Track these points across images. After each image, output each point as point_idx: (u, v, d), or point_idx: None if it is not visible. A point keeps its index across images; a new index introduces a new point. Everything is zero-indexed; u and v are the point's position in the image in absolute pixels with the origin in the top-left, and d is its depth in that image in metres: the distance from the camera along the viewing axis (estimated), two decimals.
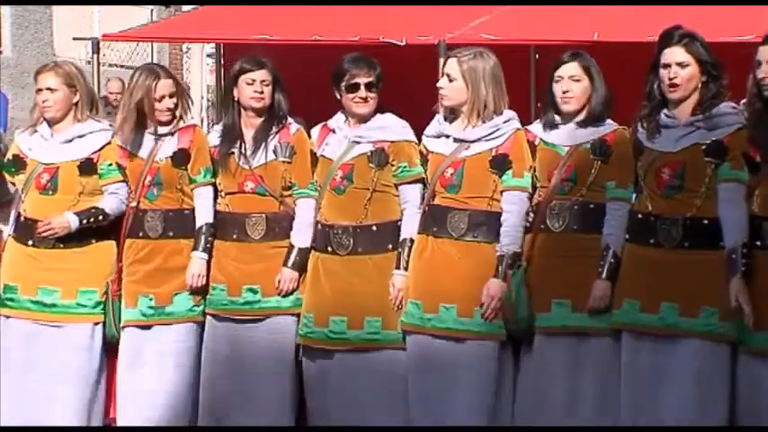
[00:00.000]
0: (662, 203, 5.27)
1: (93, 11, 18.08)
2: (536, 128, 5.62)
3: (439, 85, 5.60)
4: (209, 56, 15.28)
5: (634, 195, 5.43)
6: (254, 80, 5.86)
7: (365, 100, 5.71)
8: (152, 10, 18.70)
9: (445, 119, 5.65)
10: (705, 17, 5.07)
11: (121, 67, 17.55)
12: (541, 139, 5.57)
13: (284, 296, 5.84)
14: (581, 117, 5.50)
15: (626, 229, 5.37)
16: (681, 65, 5.19)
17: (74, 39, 14.10)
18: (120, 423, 6.02)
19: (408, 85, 7.44)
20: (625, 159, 5.42)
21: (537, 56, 9.55)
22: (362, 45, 8.36)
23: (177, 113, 6.00)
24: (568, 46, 6.81)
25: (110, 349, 6.05)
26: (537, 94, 9.03)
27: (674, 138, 5.25)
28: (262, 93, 5.85)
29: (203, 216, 5.93)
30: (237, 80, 5.90)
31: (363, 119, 5.75)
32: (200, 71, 16.52)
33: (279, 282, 5.82)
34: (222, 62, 11.03)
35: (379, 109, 5.79)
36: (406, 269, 5.66)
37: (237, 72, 5.92)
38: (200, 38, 12.13)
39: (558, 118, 5.55)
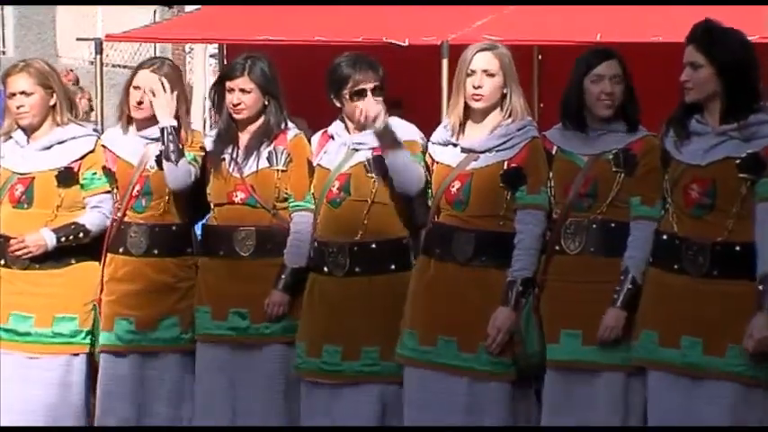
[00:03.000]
0: (689, 224, 4.59)
1: (96, 11, 18.06)
2: (554, 135, 4.94)
3: (475, 83, 4.88)
4: (211, 56, 15.23)
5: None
6: (232, 88, 5.29)
7: (374, 107, 5.05)
8: (155, 11, 18.70)
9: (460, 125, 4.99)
10: (712, 17, 4.99)
11: (124, 67, 17.53)
12: (559, 148, 4.90)
13: (274, 321, 5.24)
14: (611, 122, 4.83)
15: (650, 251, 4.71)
16: (693, 65, 4.53)
17: (77, 39, 14.10)
18: None
19: (411, 87, 7.42)
20: (653, 172, 4.71)
21: (540, 57, 9.52)
22: (365, 46, 8.32)
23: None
24: (572, 47, 6.78)
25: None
26: (540, 96, 9.01)
27: (703, 148, 4.58)
28: (239, 104, 5.26)
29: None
30: (224, 82, 5.35)
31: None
32: (203, 72, 16.47)
33: (267, 305, 5.23)
34: (225, 63, 10.99)
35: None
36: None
37: (222, 74, 5.45)
38: (202, 38, 12.09)
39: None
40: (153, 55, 18.88)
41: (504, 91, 4.93)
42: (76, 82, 14.48)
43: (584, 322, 4.77)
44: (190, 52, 17.03)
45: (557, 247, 4.86)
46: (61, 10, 17.96)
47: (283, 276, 5.24)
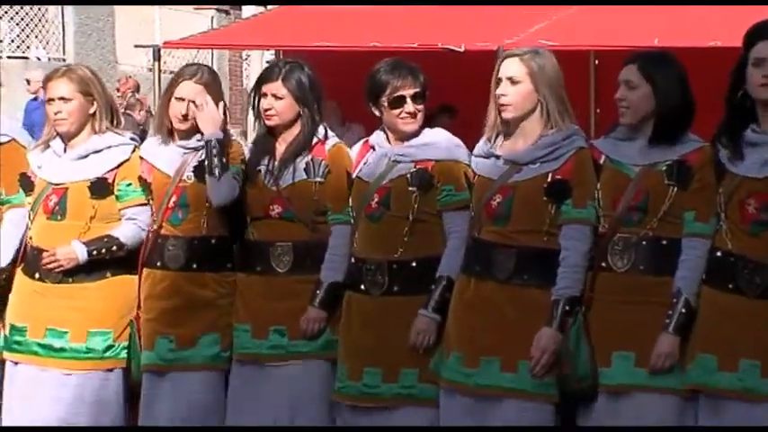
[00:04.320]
0: (745, 241, 4.31)
1: (155, 18, 18.19)
2: (603, 143, 4.64)
3: (499, 92, 4.62)
4: (268, 62, 15.25)
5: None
6: (265, 93, 5.02)
7: (413, 115, 4.82)
8: (212, 17, 18.80)
9: (497, 135, 4.71)
10: None
11: None
12: (608, 157, 4.58)
13: (312, 338, 4.97)
14: (650, 131, 4.52)
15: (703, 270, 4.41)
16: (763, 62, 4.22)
17: (135, 46, 14.25)
18: None
19: (467, 93, 7.38)
20: (709, 186, 4.41)
21: (597, 62, 9.45)
22: (421, 51, 8.31)
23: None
24: (629, 51, 6.71)
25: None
26: (597, 102, 8.95)
27: (760, 160, 4.30)
28: (269, 109, 5.00)
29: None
30: (259, 90, 5.08)
31: (409, 136, 4.88)
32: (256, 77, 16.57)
33: (303, 322, 4.96)
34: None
35: (430, 123, 4.98)
36: (435, 311, 4.74)
37: (258, 80, 5.17)
38: (259, 45, 12.16)
39: (623, 131, 4.60)
40: (210, 61, 18.98)
41: (538, 99, 4.61)
42: (136, 89, 14.59)
43: (636, 344, 4.47)
44: (246, 59, 17.09)
45: (603, 264, 4.54)
46: (120, 17, 18.10)
47: (319, 292, 4.97)
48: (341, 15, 10.66)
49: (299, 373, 5.01)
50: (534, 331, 4.53)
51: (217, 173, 4.98)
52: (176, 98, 5.09)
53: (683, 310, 4.40)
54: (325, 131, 5.09)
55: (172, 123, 5.14)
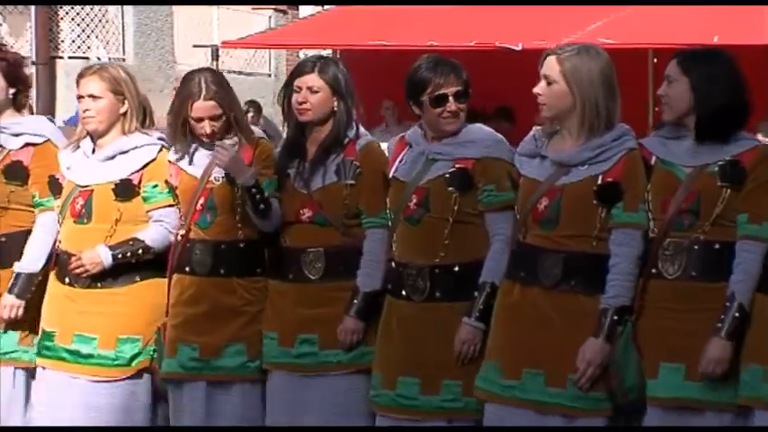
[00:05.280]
0: None
1: (213, 18, 18.30)
2: (653, 143, 4.39)
3: (535, 90, 4.41)
4: None
5: None
6: (300, 87, 4.82)
7: (455, 114, 4.59)
8: (270, 17, 18.86)
9: (548, 135, 4.49)
10: None
11: (239, 73, 17.75)
12: (658, 158, 4.34)
13: (346, 350, 4.76)
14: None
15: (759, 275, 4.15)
16: None
17: (193, 46, 14.36)
18: None
19: (525, 92, 7.37)
20: (763, 187, 4.17)
21: (655, 60, 9.39)
22: (478, 50, 8.32)
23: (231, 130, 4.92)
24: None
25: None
26: (655, 101, 8.90)
27: None
28: (304, 102, 4.79)
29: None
30: (292, 84, 4.86)
31: (450, 134, 4.64)
32: None
33: (340, 333, 4.74)
34: None
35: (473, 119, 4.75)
36: (479, 319, 4.50)
37: (290, 74, 4.94)
38: (316, 44, 12.19)
39: (669, 130, 4.37)
40: (267, 61, 19.08)
41: (575, 99, 4.36)
42: None
43: (687, 355, 4.20)
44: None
45: (653, 271, 4.28)
46: (179, 18, 18.22)
47: (356, 301, 4.74)
48: (397, 15, 10.69)
49: (331, 385, 4.81)
50: (581, 341, 4.28)
51: (262, 213, 4.81)
52: (195, 119, 4.88)
53: (737, 314, 4.14)
54: (357, 130, 4.88)
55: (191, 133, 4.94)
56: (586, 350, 4.27)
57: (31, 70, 15.88)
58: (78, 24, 17.24)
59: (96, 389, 4.97)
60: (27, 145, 5.08)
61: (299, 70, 4.89)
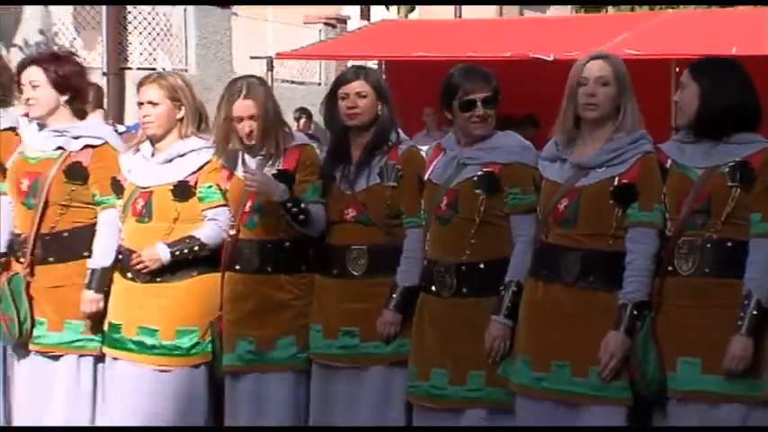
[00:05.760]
0: None
1: (268, 32, 18.35)
2: (669, 147, 4.30)
3: (587, 91, 4.27)
4: None
5: None
6: (347, 93, 4.77)
7: (483, 119, 4.51)
8: (320, 30, 18.91)
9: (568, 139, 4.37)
10: None
11: (292, 82, 17.79)
12: (673, 161, 4.25)
13: (386, 342, 4.71)
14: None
15: None
16: None
17: (250, 57, 14.37)
18: None
19: (555, 99, 7.32)
20: None
21: (677, 69, 9.30)
22: (513, 60, 8.27)
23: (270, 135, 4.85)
24: None
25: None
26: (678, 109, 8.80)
27: None
28: (355, 106, 4.74)
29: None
30: (336, 94, 4.82)
31: (479, 139, 4.57)
32: None
33: (379, 325, 4.70)
34: (384, 77, 11.06)
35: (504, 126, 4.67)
36: (507, 316, 4.43)
37: (334, 84, 4.89)
38: (363, 55, 12.18)
39: (684, 134, 4.28)
40: (318, 71, 19.09)
41: (618, 103, 4.30)
42: None
43: (703, 350, 4.11)
44: None
45: (669, 268, 4.19)
46: (237, 31, 18.29)
47: (395, 296, 4.69)
48: (439, 28, 10.67)
49: (375, 375, 4.76)
50: (601, 334, 4.21)
51: (304, 223, 4.78)
52: (236, 120, 4.84)
53: (755, 312, 4.04)
54: (398, 135, 4.84)
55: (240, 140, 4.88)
56: (608, 343, 4.19)
57: (102, 81, 16.02)
58: (145, 38, 17.33)
59: (160, 377, 4.95)
60: (86, 147, 5.05)
61: (343, 79, 4.85)
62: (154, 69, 16.18)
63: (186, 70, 17.18)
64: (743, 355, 4.04)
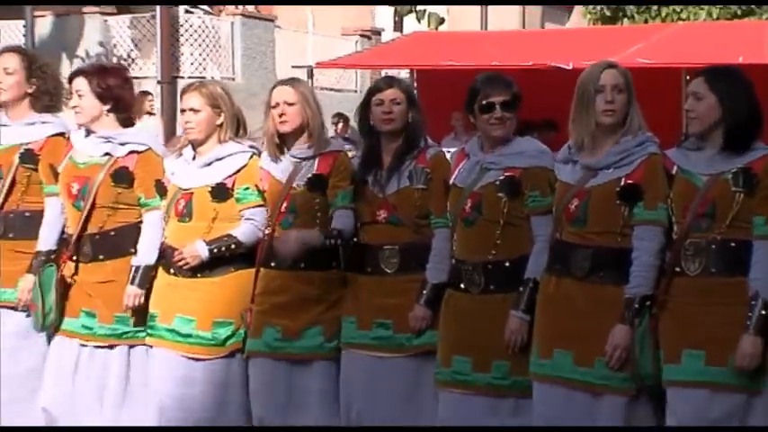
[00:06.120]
0: None
1: (308, 43, 18.43)
2: (675, 154, 4.26)
3: (609, 98, 4.24)
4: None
5: None
6: (382, 100, 4.74)
7: (501, 121, 4.48)
8: (356, 41, 18.96)
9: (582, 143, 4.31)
10: None
11: (330, 90, 17.86)
12: (679, 167, 4.21)
13: (417, 335, 4.70)
14: (719, 141, 4.14)
15: None
16: None
17: (292, 66, 14.47)
18: None
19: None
20: None
21: (688, 77, 9.32)
22: (534, 69, 8.31)
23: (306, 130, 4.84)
24: None
25: None
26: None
27: None
28: (390, 112, 4.72)
29: (341, 223, 4.78)
30: (369, 102, 4.80)
31: (499, 142, 4.54)
32: None
33: (411, 319, 4.69)
34: (416, 85, 11.12)
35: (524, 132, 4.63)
36: (525, 311, 4.41)
37: (368, 93, 4.85)
38: (396, 64, 12.25)
39: (693, 142, 4.22)
40: (354, 79, 19.16)
41: (628, 108, 4.29)
42: None
43: (707, 344, 4.06)
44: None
45: (677, 269, 4.14)
46: (280, 43, 18.37)
47: (425, 292, 4.67)
48: (466, 39, 10.72)
49: (406, 365, 4.73)
50: (608, 326, 4.18)
51: (341, 243, 4.82)
52: (273, 107, 4.85)
53: (763, 311, 3.99)
54: (426, 140, 4.82)
55: (279, 137, 4.89)
56: (615, 334, 4.16)
57: (156, 89, 16.16)
58: (196, 49, 17.45)
59: (193, 365, 4.92)
60: (132, 153, 5.04)
61: (377, 88, 4.82)
62: (203, 78, 16.35)
63: (233, 78, 17.29)
64: (753, 352, 3.99)
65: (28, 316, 5.10)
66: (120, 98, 5.04)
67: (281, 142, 4.91)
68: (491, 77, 4.57)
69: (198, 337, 4.91)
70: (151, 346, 5.00)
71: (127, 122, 5.11)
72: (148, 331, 4.99)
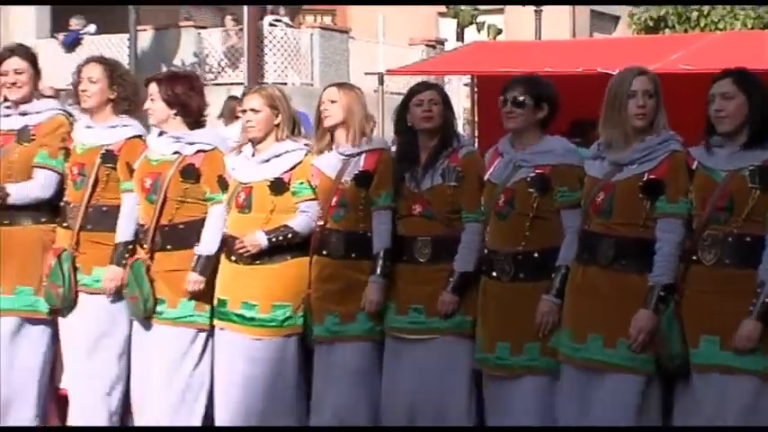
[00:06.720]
0: None
1: (379, 52, 18.45)
2: (696, 151, 4.16)
3: (641, 102, 4.17)
4: (465, 85, 15.35)
5: None
6: (422, 101, 4.68)
7: (511, 115, 4.43)
8: (422, 50, 18.95)
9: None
10: None
11: (399, 94, 17.85)
12: (700, 163, 4.11)
13: (444, 318, 4.62)
14: (743, 139, 4.03)
15: None
16: None
17: (365, 73, 14.48)
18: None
19: None
20: None
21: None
22: (583, 75, 8.21)
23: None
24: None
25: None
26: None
27: None
28: (430, 111, 4.66)
29: (380, 240, 4.72)
30: (408, 104, 4.74)
31: (524, 138, 4.48)
32: (457, 97, 16.64)
33: (439, 304, 4.62)
34: (476, 89, 11.06)
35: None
36: (556, 296, 4.33)
37: (407, 96, 4.79)
38: (458, 71, 12.23)
39: (717, 139, 4.10)
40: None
41: (657, 111, 4.21)
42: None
43: (721, 329, 3.97)
44: (448, 82, 17.20)
45: (694, 258, 4.05)
46: (354, 51, 18.42)
47: (452, 280, 4.60)
48: (521, 47, 10.62)
49: (439, 346, 4.65)
50: (631, 311, 4.09)
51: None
52: (320, 104, 4.87)
53: (766, 300, 3.89)
54: (459, 140, 4.75)
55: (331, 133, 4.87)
56: (638, 319, 4.07)
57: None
58: (279, 58, 17.57)
59: (257, 345, 4.87)
60: (199, 151, 5.00)
61: (416, 90, 4.77)
62: (285, 84, 16.46)
63: (312, 84, 17.36)
64: (749, 335, 3.91)
65: (113, 302, 5.08)
66: (185, 104, 5.01)
67: (331, 138, 4.89)
68: (518, 79, 4.52)
69: (260, 319, 4.87)
70: (221, 329, 4.94)
71: (195, 125, 5.07)
72: (218, 316, 4.94)
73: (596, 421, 4.15)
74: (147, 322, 5.05)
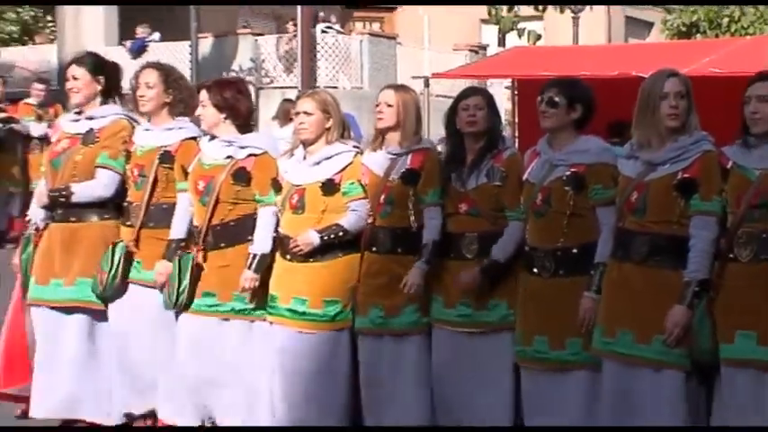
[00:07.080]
0: None
1: (425, 57, 18.41)
2: (731, 151, 4.06)
3: (673, 103, 4.07)
4: (506, 88, 15.27)
5: None
6: (468, 105, 4.65)
7: (543, 113, 4.38)
8: (466, 55, 18.87)
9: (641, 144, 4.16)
10: None
11: (444, 97, 17.82)
12: (734, 163, 4.00)
13: (490, 310, 4.57)
14: None
15: None
16: None
17: (412, 77, 14.45)
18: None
19: None
20: None
21: None
22: (619, 78, 8.15)
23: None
24: None
25: None
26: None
27: None
28: (474, 116, 4.63)
29: (430, 233, 4.66)
30: (456, 108, 4.70)
31: (558, 138, 4.42)
32: (498, 99, 16.61)
33: (465, 283, 4.58)
34: (516, 92, 11.02)
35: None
36: (597, 292, 4.23)
37: (456, 100, 4.74)
38: (500, 74, 12.19)
39: (752, 140, 3.98)
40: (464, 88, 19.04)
41: (689, 112, 4.12)
42: None
43: (758, 324, 3.84)
44: (490, 86, 17.16)
45: (730, 255, 3.93)
46: (401, 56, 18.37)
47: (485, 261, 4.56)
48: (560, 52, 10.58)
49: (486, 340, 4.60)
50: (664, 306, 3.98)
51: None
52: (376, 105, 4.85)
53: None
54: (504, 142, 4.71)
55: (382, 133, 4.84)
56: (674, 314, 3.96)
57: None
58: (330, 63, 17.59)
59: (305, 338, 4.83)
60: (250, 155, 4.96)
61: (464, 95, 4.73)
62: (336, 87, 16.49)
63: (361, 87, 17.36)
64: None
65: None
66: (234, 108, 4.98)
67: (382, 139, 4.86)
68: (554, 80, 4.47)
69: (311, 314, 4.82)
70: (271, 323, 4.89)
71: (244, 128, 5.03)
72: (270, 310, 4.89)
73: (636, 414, 4.05)
74: (193, 317, 4.96)
